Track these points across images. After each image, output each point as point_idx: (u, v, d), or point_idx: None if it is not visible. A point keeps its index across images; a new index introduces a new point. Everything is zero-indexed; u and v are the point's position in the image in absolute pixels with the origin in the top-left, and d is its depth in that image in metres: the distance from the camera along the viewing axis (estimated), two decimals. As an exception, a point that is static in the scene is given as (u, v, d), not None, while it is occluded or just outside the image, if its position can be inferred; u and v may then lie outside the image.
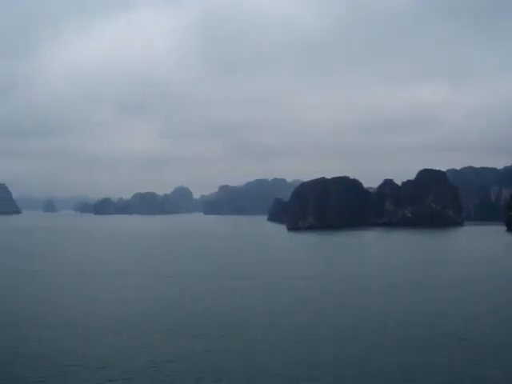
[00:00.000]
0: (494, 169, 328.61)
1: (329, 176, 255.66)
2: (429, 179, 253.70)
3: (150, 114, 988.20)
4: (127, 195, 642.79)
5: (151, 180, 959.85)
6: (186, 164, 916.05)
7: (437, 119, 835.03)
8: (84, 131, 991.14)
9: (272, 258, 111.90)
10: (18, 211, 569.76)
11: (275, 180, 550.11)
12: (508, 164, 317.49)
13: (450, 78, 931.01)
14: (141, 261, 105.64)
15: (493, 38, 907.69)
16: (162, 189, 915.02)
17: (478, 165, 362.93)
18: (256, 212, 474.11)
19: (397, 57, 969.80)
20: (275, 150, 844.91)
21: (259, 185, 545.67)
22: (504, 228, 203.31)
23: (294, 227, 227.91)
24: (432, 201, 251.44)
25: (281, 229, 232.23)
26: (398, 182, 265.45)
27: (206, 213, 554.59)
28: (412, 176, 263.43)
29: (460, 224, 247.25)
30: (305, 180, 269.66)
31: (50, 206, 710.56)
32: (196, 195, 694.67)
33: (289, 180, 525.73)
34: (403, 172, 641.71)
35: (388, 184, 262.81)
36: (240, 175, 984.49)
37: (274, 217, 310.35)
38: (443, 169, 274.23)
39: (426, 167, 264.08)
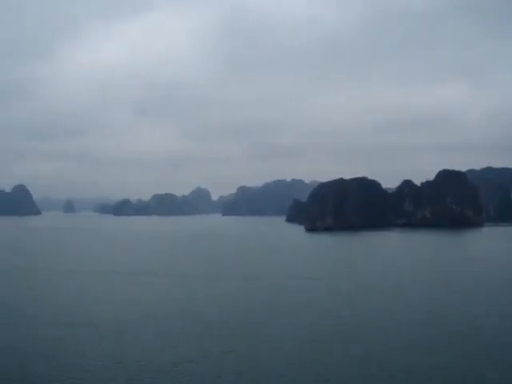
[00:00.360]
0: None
1: (347, 177, 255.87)
2: (448, 180, 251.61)
3: (169, 116, 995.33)
4: (146, 196, 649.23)
5: (170, 181, 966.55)
6: (205, 165, 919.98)
7: (455, 119, 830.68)
8: (104, 133, 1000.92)
9: (288, 259, 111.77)
10: (38, 212, 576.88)
11: (293, 181, 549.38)
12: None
13: (468, 77, 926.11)
14: (159, 262, 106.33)
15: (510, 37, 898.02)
16: (181, 190, 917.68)
17: (497, 165, 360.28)
18: (274, 213, 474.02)
19: (413, 56, 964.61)
20: (293, 150, 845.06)
21: (277, 186, 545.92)
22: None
23: (312, 228, 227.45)
24: (451, 201, 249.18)
25: (299, 230, 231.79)
26: (417, 182, 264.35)
27: (223, 214, 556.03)
28: (431, 176, 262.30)
29: (480, 225, 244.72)
30: (323, 181, 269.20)
31: (69, 207, 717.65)
32: (214, 196, 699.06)
33: (307, 181, 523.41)
34: (422, 172, 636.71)
35: (407, 184, 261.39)
36: (258, 176, 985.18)
37: (292, 218, 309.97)
38: (462, 169, 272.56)
39: (445, 168, 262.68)
